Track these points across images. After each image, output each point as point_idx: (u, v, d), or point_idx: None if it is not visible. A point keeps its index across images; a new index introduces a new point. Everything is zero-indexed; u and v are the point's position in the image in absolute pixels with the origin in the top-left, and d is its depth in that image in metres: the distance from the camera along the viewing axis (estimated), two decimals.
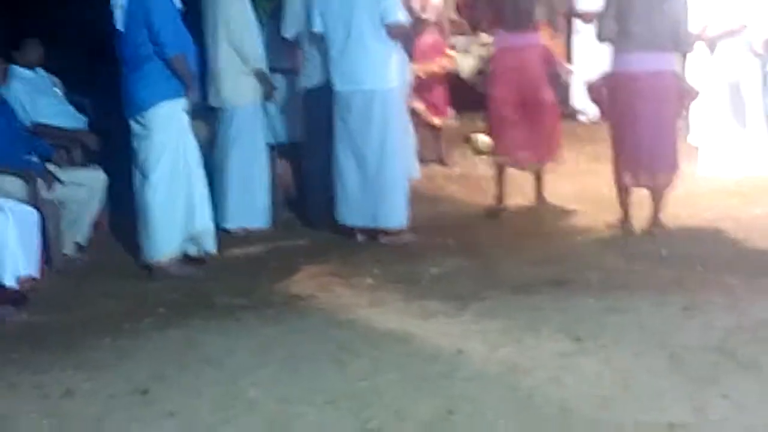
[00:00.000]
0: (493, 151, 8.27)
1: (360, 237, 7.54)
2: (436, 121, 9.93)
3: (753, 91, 8.81)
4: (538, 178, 8.21)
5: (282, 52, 8.02)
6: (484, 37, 9.06)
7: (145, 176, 6.88)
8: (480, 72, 8.31)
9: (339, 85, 7.40)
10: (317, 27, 7.43)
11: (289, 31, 7.86)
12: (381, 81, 7.37)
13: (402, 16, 7.41)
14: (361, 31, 7.28)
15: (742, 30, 8.73)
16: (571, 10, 11.64)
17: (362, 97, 7.34)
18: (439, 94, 9.91)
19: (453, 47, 10.41)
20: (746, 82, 8.83)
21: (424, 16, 9.56)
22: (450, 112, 10.43)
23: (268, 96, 7.94)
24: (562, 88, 8.17)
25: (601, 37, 7.47)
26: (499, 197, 8.17)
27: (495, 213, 8.10)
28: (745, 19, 8.70)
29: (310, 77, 7.80)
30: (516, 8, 7.91)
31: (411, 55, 8.29)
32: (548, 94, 8.07)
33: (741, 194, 8.32)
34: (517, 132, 7.99)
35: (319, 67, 7.70)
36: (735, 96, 8.90)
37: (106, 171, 7.58)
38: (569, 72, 8.36)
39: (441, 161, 9.97)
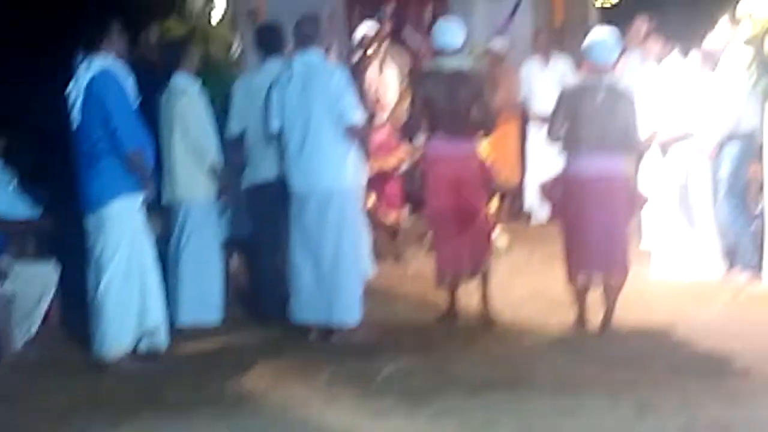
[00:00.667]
0: (437, 266, 7.86)
1: (313, 334, 7.52)
2: (392, 217, 9.96)
3: (703, 195, 8.93)
4: (485, 281, 7.88)
5: (233, 148, 8.05)
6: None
7: (99, 271, 6.87)
8: (411, 175, 8.13)
9: (296, 185, 7.44)
10: (274, 127, 7.48)
11: (235, 127, 7.93)
12: (338, 180, 7.42)
13: (359, 117, 7.50)
14: (318, 131, 7.34)
15: (692, 134, 8.87)
16: (527, 112, 11.86)
17: (319, 195, 7.38)
18: (393, 190, 9.96)
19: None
20: (696, 187, 8.95)
21: (381, 117, 9.66)
22: (405, 208, 10.51)
23: (222, 192, 7.96)
24: (492, 189, 8.08)
25: (550, 140, 7.59)
26: (451, 306, 7.91)
27: (446, 319, 7.90)
28: (696, 124, 8.84)
29: (254, 174, 7.89)
30: (451, 115, 7.63)
31: (366, 154, 8.37)
32: (481, 205, 7.84)
33: (692, 297, 8.38)
34: (455, 246, 7.69)
35: (264, 162, 7.80)
36: (685, 200, 9.01)
37: (59, 264, 7.53)
38: (498, 183, 8.28)
39: (396, 258, 9.98)
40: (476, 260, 7.74)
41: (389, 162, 9.73)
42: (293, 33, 7.60)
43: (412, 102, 7.82)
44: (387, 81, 10.10)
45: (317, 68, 7.43)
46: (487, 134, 7.91)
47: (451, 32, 7.70)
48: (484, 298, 7.81)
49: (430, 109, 7.64)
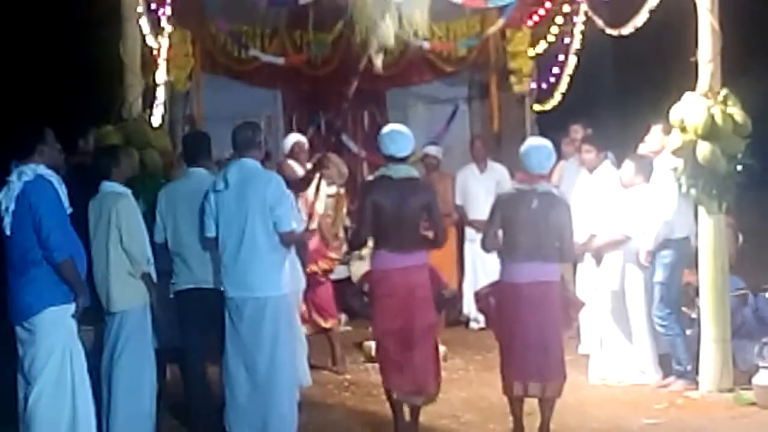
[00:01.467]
0: (384, 385, 7.53)
1: None
2: (327, 323, 9.91)
3: (637, 300, 8.98)
4: (416, 412, 7.58)
5: (164, 254, 8.00)
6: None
7: (29, 383, 6.74)
8: (357, 292, 7.82)
9: (231, 291, 7.38)
10: (210, 232, 7.44)
11: (158, 236, 7.89)
12: (273, 288, 7.37)
13: (295, 225, 7.49)
14: (254, 238, 7.31)
15: (627, 241, 8.95)
16: (464, 218, 11.93)
17: (254, 303, 7.32)
18: (325, 296, 9.94)
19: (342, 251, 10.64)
20: (631, 292, 9.01)
21: (310, 224, 9.65)
22: (339, 315, 10.48)
23: (152, 301, 7.87)
24: (444, 300, 7.89)
25: (485, 247, 7.59)
26: (399, 427, 7.54)
27: None
28: (630, 231, 8.92)
29: (176, 282, 7.84)
30: (400, 224, 7.41)
31: (304, 261, 8.34)
32: (432, 319, 7.58)
33: (630, 403, 8.40)
34: (401, 367, 7.40)
35: (183, 272, 7.75)
36: (621, 305, 9.06)
37: None
38: (451, 291, 8.04)
39: (334, 364, 9.89)
40: (429, 381, 7.48)
41: (321, 266, 9.72)
42: (231, 139, 7.60)
43: (360, 210, 7.57)
44: (321, 192, 10.13)
45: (253, 175, 7.41)
46: (438, 247, 7.65)
47: (400, 139, 7.55)
48: (414, 422, 7.57)
49: (379, 217, 7.39)
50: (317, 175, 9.52)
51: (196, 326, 7.71)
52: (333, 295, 10.04)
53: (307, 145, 10.52)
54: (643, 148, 9.16)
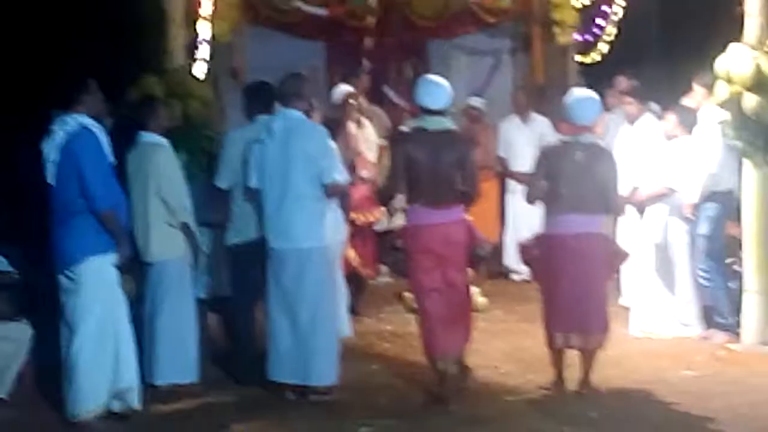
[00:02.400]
0: (426, 351, 7.35)
1: (290, 394, 7.45)
2: (366, 272, 9.99)
3: (680, 253, 8.94)
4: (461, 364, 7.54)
5: (211, 206, 8.04)
6: None
7: (72, 331, 6.80)
8: (392, 248, 7.69)
9: (274, 242, 7.40)
10: (253, 183, 7.46)
11: (223, 181, 7.89)
12: (316, 239, 7.39)
13: (339, 176, 7.48)
14: (297, 189, 7.32)
15: (670, 194, 8.90)
16: (506, 170, 11.89)
17: (297, 254, 7.34)
18: (370, 246, 9.98)
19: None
20: (674, 245, 8.97)
21: (362, 174, 9.68)
22: (378, 267, 10.53)
23: (193, 251, 7.91)
24: (479, 256, 7.72)
25: (529, 199, 7.56)
26: (444, 393, 7.32)
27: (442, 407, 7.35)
28: (673, 184, 8.86)
29: (239, 232, 7.83)
30: (435, 178, 7.19)
31: (347, 211, 8.34)
32: (466, 275, 7.40)
33: (671, 356, 8.38)
34: (445, 324, 7.25)
35: (249, 222, 7.72)
36: (663, 258, 9.03)
37: (32, 324, 7.47)
38: (488, 246, 7.90)
39: (355, 311, 9.88)
40: (462, 338, 7.42)
41: (367, 217, 9.74)
42: (278, 91, 7.61)
43: (393, 162, 7.37)
44: (367, 136, 10.12)
45: (297, 127, 7.41)
46: (470, 202, 7.41)
47: (435, 90, 7.34)
48: (463, 371, 7.55)
49: (413, 171, 7.18)
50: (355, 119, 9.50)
51: (256, 275, 7.68)
52: (375, 246, 10.08)
53: (350, 92, 10.50)
54: (686, 101, 9.09)
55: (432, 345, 7.30)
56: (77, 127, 6.79)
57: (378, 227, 10.70)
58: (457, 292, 7.33)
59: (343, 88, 10.50)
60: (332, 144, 7.66)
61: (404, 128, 7.82)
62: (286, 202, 7.33)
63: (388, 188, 7.46)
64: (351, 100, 10.27)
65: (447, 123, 7.37)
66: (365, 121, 10.75)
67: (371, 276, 10.15)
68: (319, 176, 7.34)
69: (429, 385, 7.47)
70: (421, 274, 7.28)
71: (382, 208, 10.06)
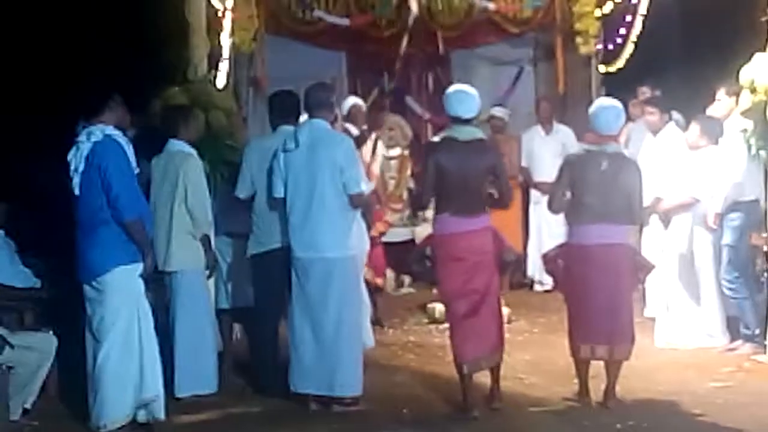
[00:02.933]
0: (455, 358, 7.28)
1: (313, 405, 7.44)
2: (377, 282, 10.04)
3: (705, 264, 8.90)
4: (494, 370, 7.44)
5: (234, 216, 8.05)
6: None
7: (98, 341, 6.81)
8: (420, 257, 7.69)
9: (299, 252, 7.39)
10: (278, 193, 7.46)
11: (243, 191, 7.90)
12: (341, 249, 7.39)
13: (365, 186, 7.51)
14: (323, 199, 7.32)
15: (695, 204, 8.86)
16: (529, 180, 11.88)
17: (322, 264, 7.34)
18: (378, 257, 10.01)
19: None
20: (699, 255, 8.93)
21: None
22: (388, 274, 10.61)
23: (210, 263, 7.92)
24: (506, 263, 7.73)
25: (552, 209, 7.54)
26: (471, 401, 7.27)
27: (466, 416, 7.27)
28: (698, 194, 8.83)
29: (260, 242, 7.83)
30: (465, 187, 7.19)
31: (370, 223, 8.34)
32: (496, 282, 7.42)
33: (697, 367, 8.33)
34: (475, 330, 7.22)
35: (269, 232, 7.73)
36: (688, 269, 8.98)
37: (56, 334, 7.49)
38: (515, 253, 7.89)
39: (377, 322, 9.91)
40: (492, 345, 7.35)
41: (378, 228, 9.77)
42: (303, 100, 7.62)
43: (424, 172, 7.37)
44: (377, 153, 10.18)
45: (324, 137, 7.42)
46: (505, 208, 7.48)
47: (466, 100, 7.34)
48: (496, 383, 7.45)
49: (443, 180, 7.18)
50: (373, 137, 9.49)
51: (277, 286, 7.71)
52: (384, 256, 10.13)
53: (364, 108, 10.55)
54: (711, 110, 9.06)
55: (460, 350, 7.27)
56: (103, 138, 6.80)
57: (399, 238, 10.76)
58: (487, 299, 7.30)
59: (350, 100, 10.53)
60: (358, 155, 7.66)
61: (435, 138, 7.79)
62: (312, 212, 7.33)
63: (420, 197, 7.56)
64: (358, 113, 10.31)
65: (477, 132, 7.39)
66: (372, 138, 10.83)
67: (381, 286, 10.20)
68: (345, 186, 7.34)
69: (453, 395, 7.44)
70: (450, 282, 7.28)
71: (388, 219, 10.17)
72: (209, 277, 8.05)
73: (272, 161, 7.53)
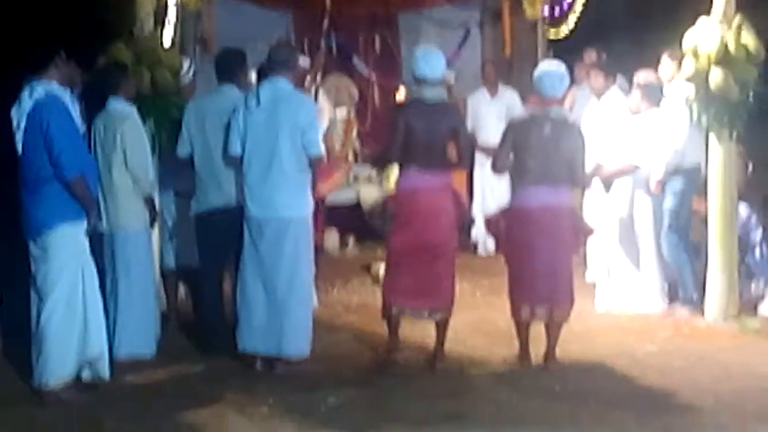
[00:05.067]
0: (384, 302, 7.54)
1: (259, 365, 7.47)
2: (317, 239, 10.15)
3: (646, 229, 9.00)
4: (440, 330, 7.57)
5: (180, 175, 8.04)
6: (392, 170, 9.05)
7: (41, 299, 6.78)
8: (382, 211, 7.82)
9: (254, 211, 7.39)
10: (235, 151, 7.44)
11: (182, 150, 7.90)
12: (297, 209, 7.41)
13: (323, 150, 7.58)
14: (282, 159, 7.31)
15: (636, 170, 8.95)
16: (474, 143, 11.91)
17: (277, 224, 7.36)
18: (318, 217, 10.09)
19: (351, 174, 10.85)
20: (639, 220, 9.03)
21: None
22: (333, 236, 10.85)
23: (152, 222, 7.92)
24: (464, 221, 7.93)
25: (495, 170, 7.62)
26: (394, 345, 7.61)
27: (386, 365, 7.53)
28: (638, 160, 8.91)
29: (202, 201, 7.85)
30: (430, 146, 7.35)
31: (314, 184, 8.36)
32: (453, 240, 7.59)
33: (636, 331, 8.45)
34: (413, 281, 7.41)
35: (211, 191, 7.77)
36: (629, 233, 9.09)
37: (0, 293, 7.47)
38: (469, 213, 8.04)
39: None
40: (442, 297, 7.51)
41: (328, 188, 9.82)
42: (266, 59, 7.61)
43: (392, 131, 7.44)
44: (320, 108, 10.21)
45: (286, 96, 7.41)
46: (463, 168, 7.72)
47: (432, 61, 7.44)
48: (440, 344, 7.57)
49: (409, 139, 7.32)
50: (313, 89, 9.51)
51: (220, 245, 7.76)
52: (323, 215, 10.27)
53: (307, 67, 10.56)
54: (646, 75, 9.09)
55: (391, 292, 7.47)
56: (44, 95, 6.74)
57: (344, 200, 10.81)
58: (439, 255, 7.42)
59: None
60: (318, 117, 7.68)
61: (405, 99, 7.91)
62: (272, 172, 7.33)
63: (386, 155, 7.68)
64: (305, 74, 10.33)
65: (442, 93, 7.55)
66: (320, 95, 10.87)
67: (319, 244, 10.31)
68: (305, 147, 7.35)
69: (393, 357, 7.55)
70: (402, 232, 7.42)
71: (336, 181, 10.22)
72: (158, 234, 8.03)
73: (230, 118, 7.51)
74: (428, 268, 7.42)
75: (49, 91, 6.77)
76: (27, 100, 6.75)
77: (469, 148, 7.66)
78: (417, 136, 7.32)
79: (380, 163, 8.23)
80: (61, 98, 6.81)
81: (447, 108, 7.55)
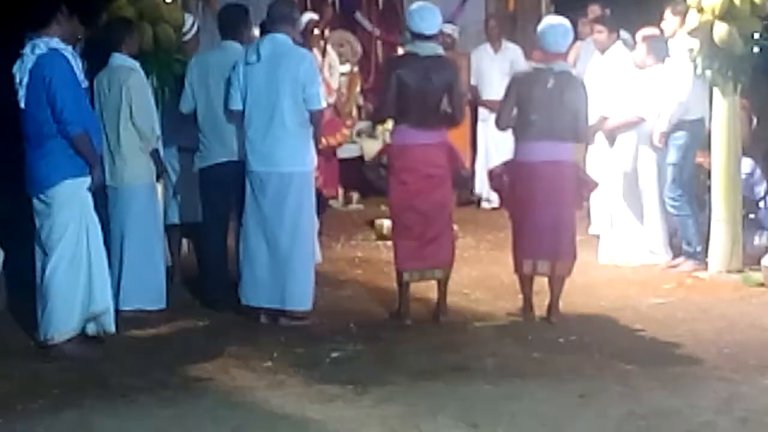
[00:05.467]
0: (396, 266, 7.52)
1: (263, 318, 7.50)
2: (331, 192, 10.27)
3: (649, 182, 9.01)
4: (441, 285, 7.59)
5: (184, 130, 8.04)
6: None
7: (46, 254, 6.79)
8: (377, 163, 7.87)
9: (256, 166, 7.39)
10: (236, 105, 7.43)
11: (185, 106, 7.90)
12: (299, 164, 7.41)
13: (324, 103, 7.56)
14: (283, 114, 7.30)
15: (640, 123, 8.94)
16: (477, 98, 11.91)
17: (279, 178, 7.36)
18: (331, 170, 10.16)
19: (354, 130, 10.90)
20: (643, 174, 9.03)
21: (328, 99, 9.74)
22: (349, 195, 10.72)
23: (159, 177, 7.94)
24: (461, 178, 7.96)
25: (499, 126, 7.61)
26: (405, 309, 7.54)
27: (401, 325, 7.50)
28: (644, 113, 8.90)
29: (206, 156, 7.85)
30: (424, 101, 7.31)
31: (318, 139, 8.36)
32: (448, 196, 7.66)
33: (639, 283, 8.49)
34: (416, 243, 7.40)
35: (214, 146, 7.77)
36: (632, 187, 9.09)
37: (3, 247, 7.47)
38: (467, 170, 8.07)
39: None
40: (443, 254, 7.51)
41: (330, 142, 9.86)
42: (266, 13, 7.58)
43: (385, 85, 7.43)
44: (330, 63, 10.19)
45: (286, 51, 7.39)
46: (456, 125, 7.62)
47: (429, 16, 7.41)
48: (443, 297, 7.60)
49: (403, 94, 7.29)
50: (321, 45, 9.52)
51: (224, 200, 7.79)
52: (336, 169, 10.25)
53: (317, 19, 10.59)
54: (648, 30, 9.07)
55: (400, 258, 7.45)
56: (47, 50, 6.71)
57: (347, 154, 10.84)
58: (437, 213, 7.44)
59: (308, 16, 10.51)
60: (319, 71, 7.67)
61: (400, 53, 7.89)
62: (272, 126, 7.32)
63: (379, 110, 7.71)
64: (315, 29, 10.33)
65: (438, 48, 7.50)
66: (329, 49, 10.84)
67: (333, 196, 10.34)
68: (306, 102, 7.33)
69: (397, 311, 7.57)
70: (401, 191, 7.42)
71: (345, 132, 10.25)
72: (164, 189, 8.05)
73: (230, 73, 7.50)
74: (428, 227, 7.43)
75: (52, 46, 6.75)
76: (29, 55, 6.73)
77: (463, 103, 7.62)
78: (410, 90, 7.29)
79: (375, 119, 8.18)
80: (63, 54, 6.79)
81: (442, 62, 7.47)
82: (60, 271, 6.77)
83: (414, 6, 7.59)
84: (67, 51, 6.84)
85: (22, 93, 6.74)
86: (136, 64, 7.80)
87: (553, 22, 7.61)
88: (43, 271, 6.80)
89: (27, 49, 6.76)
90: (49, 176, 6.74)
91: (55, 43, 6.78)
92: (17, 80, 6.75)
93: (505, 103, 7.54)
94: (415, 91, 7.29)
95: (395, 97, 7.33)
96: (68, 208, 6.78)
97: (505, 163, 7.71)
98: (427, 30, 7.39)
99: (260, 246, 7.43)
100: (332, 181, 10.45)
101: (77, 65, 6.89)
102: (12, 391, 6.19)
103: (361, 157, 11.53)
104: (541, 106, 7.33)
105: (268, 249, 7.42)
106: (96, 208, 6.98)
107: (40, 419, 5.69)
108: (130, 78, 7.66)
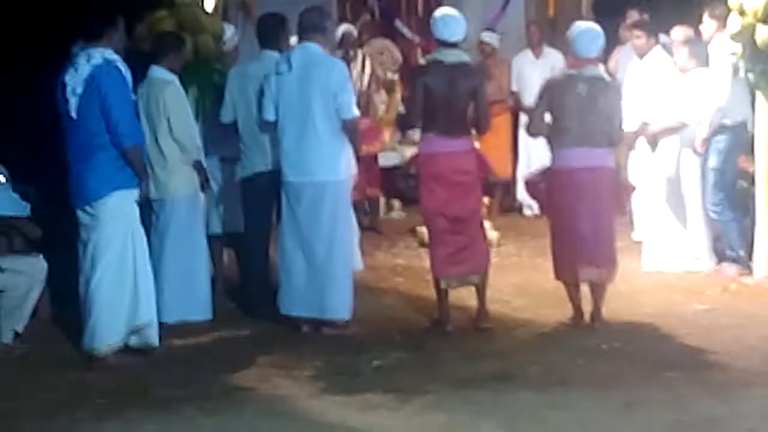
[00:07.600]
0: (433, 273, 7.54)
1: (305, 328, 7.50)
2: (373, 193, 10.42)
3: (692, 187, 8.93)
4: (480, 291, 7.55)
5: (225, 141, 8.07)
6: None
7: (92, 265, 6.81)
8: (406, 172, 7.91)
9: (290, 176, 7.41)
10: (269, 116, 7.45)
11: (226, 116, 7.92)
12: (333, 173, 7.42)
13: (356, 112, 7.53)
14: (315, 123, 7.32)
15: (682, 128, 8.87)
16: (519, 104, 11.87)
17: (313, 188, 7.37)
18: (373, 174, 10.26)
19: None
20: (686, 179, 8.95)
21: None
22: (391, 202, 11.37)
23: (203, 188, 7.96)
24: (490, 185, 7.95)
25: (529, 132, 7.61)
26: (445, 316, 7.50)
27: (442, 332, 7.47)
28: (686, 118, 8.84)
29: (247, 166, 7.88)
30: (449, 109, 7.31)
31: (357, 149, 8.35)
32: (478, 203, 7.65)
33: (683, 289, 8.41)
34: (452, 249, 7.41)
35: (256, 156, 7.78)
36: (676, 192, 9.02)
37: (47, 259, 7.51)
38: (496, 176, 8.09)
39: (376, 229, 10.51)
40: (472, 265, 7.49)
41: (369, 149, 9.90)
42: (297, 23, 7.58)
43: (413, 93, 7.47)
44: (367, 73, 10.24)
45: (317, 61, 7.41)
46: (481, 133, 7.70)
47: (453, 24, 7.42)
48: (482, 304, 7.56)
49: (429, 102, 7.30)
50: (360, 54, 9.49)
51: (266, 209, 7.82)
52: (377, 173, 10.55)
53: (356, 34, 10.59)
54: (685, 32, 8.99)
55: (437, 265, 7.45)
56: (102, 61, 6.72)
57: (389, 162, 10.86)
58: (468, 220, 7.44)
59: (343, 27, 10.57)
60: (350, 79, 7.67)
61: (424, 61, 7.88)
62: (305, 136, 7.34)
63: (407, 119, 7.79)
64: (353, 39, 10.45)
65: (463, 56, 7.48)
66: (366, 61, 10.89)
67: (377, 194, 10.45)
68: (338, 111, 7.35)
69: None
70: (431, 200, 7.42)
71: (384, 139, 10.28)
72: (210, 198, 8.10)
73: (263, 84, 7.51)
74: (460, 233, 7.43)
75: (107, 57, 6.76)
76: (84, 65, 6.72)
77: (486, 110, 7.56)
78: (436, 98, 7.30)
79: (403, 127, 8.19)
80: (118, 65, 6.80)
81: (467, 69, 7.48)
82: (106, 283, 6.79)
83: (438, 13, 7.62)
84: (121, 63, 6.85)
85: (73, 102, 6.74)
86: (174, 77, 7.83)
87: (582, 27, 7.59)
88: (88, 283, 6.83)
89: (81, 59, 6.76)
90: (98, 188, 6.76)
91: (110, 54, 6.80)
92: (68, 89, 6.75)
93: (535, 110, 7.56)
94: (441, 98, 7.30)
95: (422, 104, 7.35)
96: (116, 220, 6.81)
97: (542, 170, 7.68)
98: (451, 37, 7.41)
99: (297, 255, 7.44)
100: (377, 185, 10.55)
101: (129, 77, 6.90)
102: (56, 401, 6.24)
103: (402, 166, 11.53)
104: (574, 112, 7.29)
105: (305, 258, 7.43)
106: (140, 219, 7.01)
107: (84, 429, 5.73)
108: (165, 91, 7.69)
